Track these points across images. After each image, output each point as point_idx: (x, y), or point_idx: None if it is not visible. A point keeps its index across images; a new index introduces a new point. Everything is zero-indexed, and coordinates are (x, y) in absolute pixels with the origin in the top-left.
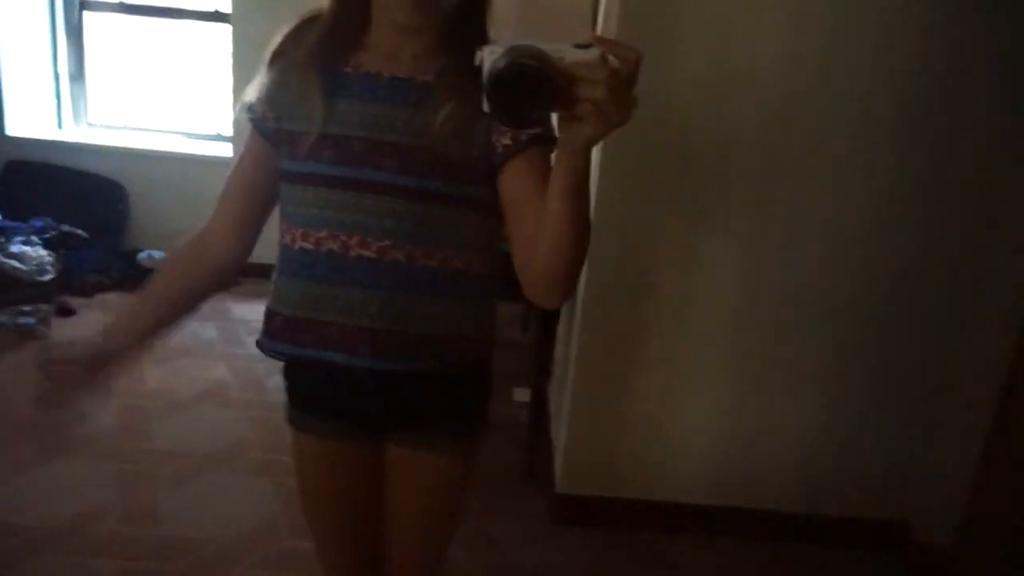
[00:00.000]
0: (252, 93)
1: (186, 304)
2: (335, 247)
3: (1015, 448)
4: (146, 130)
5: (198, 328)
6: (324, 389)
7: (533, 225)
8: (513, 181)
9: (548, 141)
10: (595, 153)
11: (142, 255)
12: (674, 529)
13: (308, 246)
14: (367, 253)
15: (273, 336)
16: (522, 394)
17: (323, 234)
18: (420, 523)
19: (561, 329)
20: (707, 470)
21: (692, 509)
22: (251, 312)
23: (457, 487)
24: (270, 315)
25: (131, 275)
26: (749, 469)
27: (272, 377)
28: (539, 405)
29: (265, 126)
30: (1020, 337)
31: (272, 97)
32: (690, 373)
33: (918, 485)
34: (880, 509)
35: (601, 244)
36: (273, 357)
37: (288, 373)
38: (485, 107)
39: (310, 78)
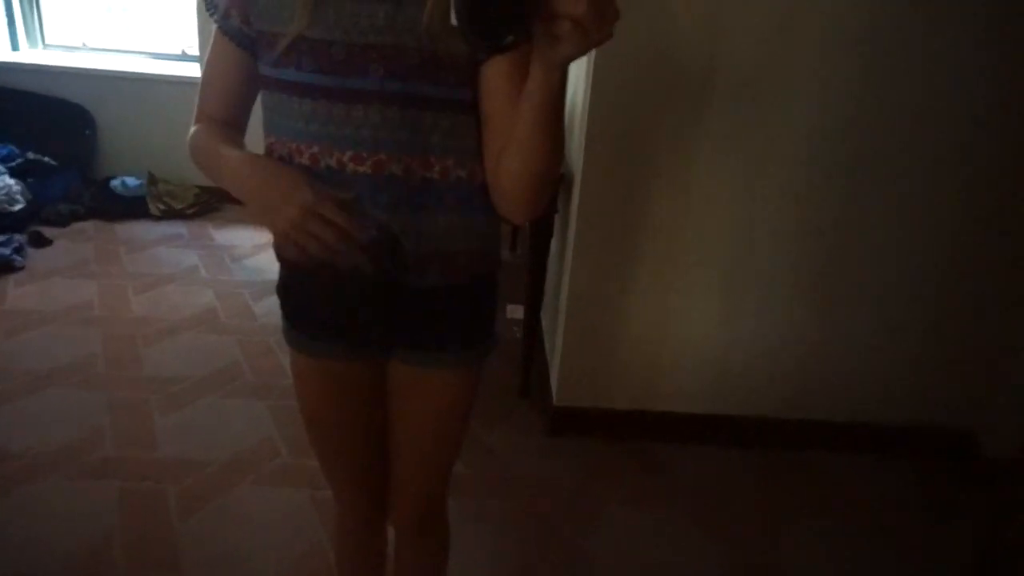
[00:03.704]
0: None
1: None
2: (332, 163)
3: None
4: (107, 51)
5: (179, 255)
6: (326, 305)
7: (505, 134)
8: (493, 82)
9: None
10: (584, 70)
11: (114, 182)
12: (673, 438)
13: (306, 163)
14: (362, 169)
15: (283, 248)
16: (515, 311)
17: (316, 149)
18: (428, 440)
19: (554, 246)
20: (704, 380)
21: (691, 418)
22: (234, 238)
23: (464, 402)
24: None
25: (105, 203)
26: (745, 378)
27: (260, 302)
28: (533, 321)
29: (234, 27)
30: None
31: None
32: (684, 285)
33: (979, 396)
34: (943, 418)
35: (592, 162)
36: (285, 264)
37: (287, 290)
38: (454, 21)
39: None
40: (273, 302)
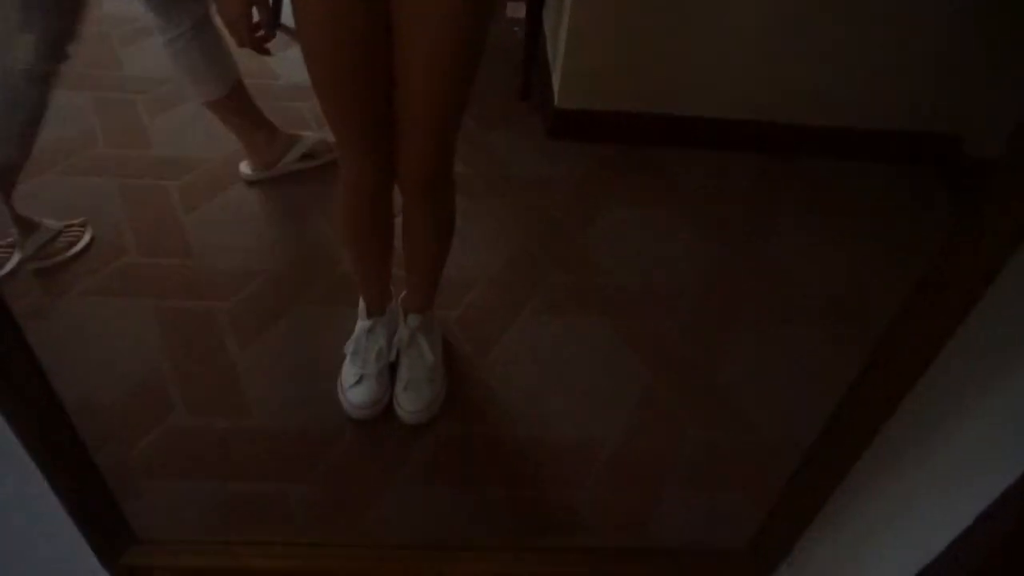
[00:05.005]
0: None
1: None
2: None
3: None
4: None
5: None
6: None
7: None
8: None
9: None
10: None
11: None
12: (673, 141)
13: None
14: None
15: None
16: (516, 9)
17: None
18: (435, 77)
19: None
20: (706, 83)
21: (692, 121)
22: None
23: (470, 37)
24: None
25: None
26: (747, 83)
27: None
28: (535, 21)
29: None
30: None
31: None
32: None
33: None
34: (926, 122)
35: None
36: None
37: None
38: None
39: None
40: None
